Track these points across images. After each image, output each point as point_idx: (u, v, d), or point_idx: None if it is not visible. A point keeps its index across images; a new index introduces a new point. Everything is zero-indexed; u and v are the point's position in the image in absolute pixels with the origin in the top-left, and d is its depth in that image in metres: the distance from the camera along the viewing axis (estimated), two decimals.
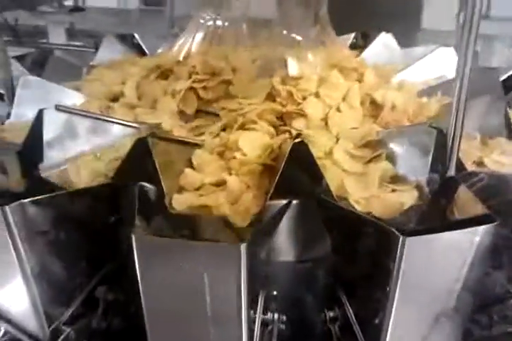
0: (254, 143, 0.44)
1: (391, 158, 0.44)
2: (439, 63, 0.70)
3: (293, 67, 0.57)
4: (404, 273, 0.33)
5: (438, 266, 0.35)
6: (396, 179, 0.42)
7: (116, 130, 0.49)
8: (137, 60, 0.73)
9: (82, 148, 0.46)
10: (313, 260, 0.43)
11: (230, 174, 0.40)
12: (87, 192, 0.38)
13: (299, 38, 0.60)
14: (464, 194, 0.39)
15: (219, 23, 0.59)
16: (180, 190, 0.39)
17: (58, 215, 0.37)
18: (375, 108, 0.55)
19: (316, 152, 0.46)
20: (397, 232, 0.31)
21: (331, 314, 0.41)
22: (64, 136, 0.46)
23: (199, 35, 0.60)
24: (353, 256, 0.38)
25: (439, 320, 0.37)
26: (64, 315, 0.39)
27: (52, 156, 0.45)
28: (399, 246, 0.31)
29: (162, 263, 0.32)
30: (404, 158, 0.44)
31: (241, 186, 0.39)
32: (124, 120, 0.50)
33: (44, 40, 1.83)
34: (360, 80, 0.60)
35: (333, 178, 0.42)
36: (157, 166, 0.38)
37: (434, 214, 0.39)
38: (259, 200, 0.38)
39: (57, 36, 1.87)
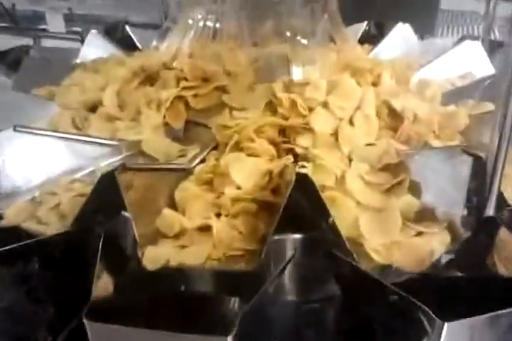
0: (249, 172, 0.36)
1: (414, 187, 0.37)
2: (464, 60, 0.62)
3: (298, 71, 0.49)
4: None
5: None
6: (422, 216, 0.35)
7: (91, 150, 0.42)
8: (124, 59, 0.65)
9: (48, 175, 0.39)
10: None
11: (219, 214, 0.33)
12: (38, 245, 0.31)
13: (304, 41, 0.52)
14: (507, 239, 0.31)
15: (210, 21, 0.51)
16: (157, 236, 0.32)
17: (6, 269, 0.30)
18: (393, 118, 0.47)
19: (325, 179, 0.38)
20: (434, 315, 0.24)
21: None
22: (25, 162, 0.39)
23: (189, 34, 0.52)
24: (369, 319, 0.31)
25: None
26: None
27: (9, 187, 0.38)
28: (435, 329, 0.24)
29: None
30: (432, 188, 0.36)
31: (232, 233, 0.31)
32: (98, 137, 0.43)
33: (43, 27, 1.75)
34: (375, 83, 0.51)
35: (345, 215, 0.35)
36: (128, 207, 0.31)
37: (472, 265, 0.31)
38: (253, 250, 0.31)
39: (55, 23, 1.79)
